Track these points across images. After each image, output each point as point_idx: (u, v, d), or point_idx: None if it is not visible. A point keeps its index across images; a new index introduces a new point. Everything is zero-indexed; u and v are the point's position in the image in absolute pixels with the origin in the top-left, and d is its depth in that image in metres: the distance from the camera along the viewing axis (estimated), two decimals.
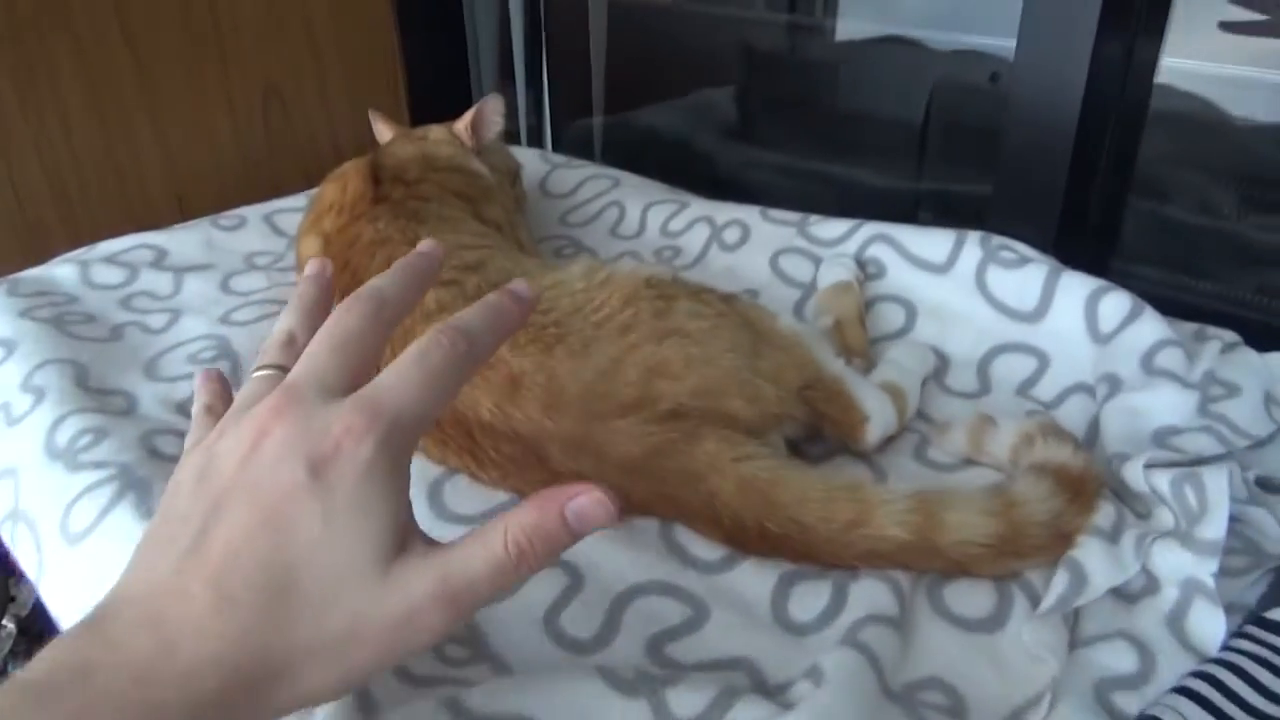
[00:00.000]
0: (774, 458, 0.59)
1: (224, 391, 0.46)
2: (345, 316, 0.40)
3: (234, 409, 0.40)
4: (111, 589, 0.36)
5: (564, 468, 0.61)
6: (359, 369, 0.39)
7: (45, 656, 0.33)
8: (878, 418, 0.65)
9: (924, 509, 0.55)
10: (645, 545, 0.59)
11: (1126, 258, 0.88)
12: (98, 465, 0.65)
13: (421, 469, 0.66)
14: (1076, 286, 0.74)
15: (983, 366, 0.76)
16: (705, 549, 0.58)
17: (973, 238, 0.81)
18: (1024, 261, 0.77)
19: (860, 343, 0.76)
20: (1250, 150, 0.90)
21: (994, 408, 0.72)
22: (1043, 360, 0.74)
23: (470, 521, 0.62)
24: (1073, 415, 0.70)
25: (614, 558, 0.58)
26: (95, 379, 0.77)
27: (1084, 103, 0.75)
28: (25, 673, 0.32)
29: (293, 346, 0.43)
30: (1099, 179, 0.80)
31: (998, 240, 0.80)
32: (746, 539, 0.57)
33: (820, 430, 0.66)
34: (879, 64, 1.25)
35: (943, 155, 1.20)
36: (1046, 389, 0.73)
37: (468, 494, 0.64)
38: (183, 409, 0.74)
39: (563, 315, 0.66)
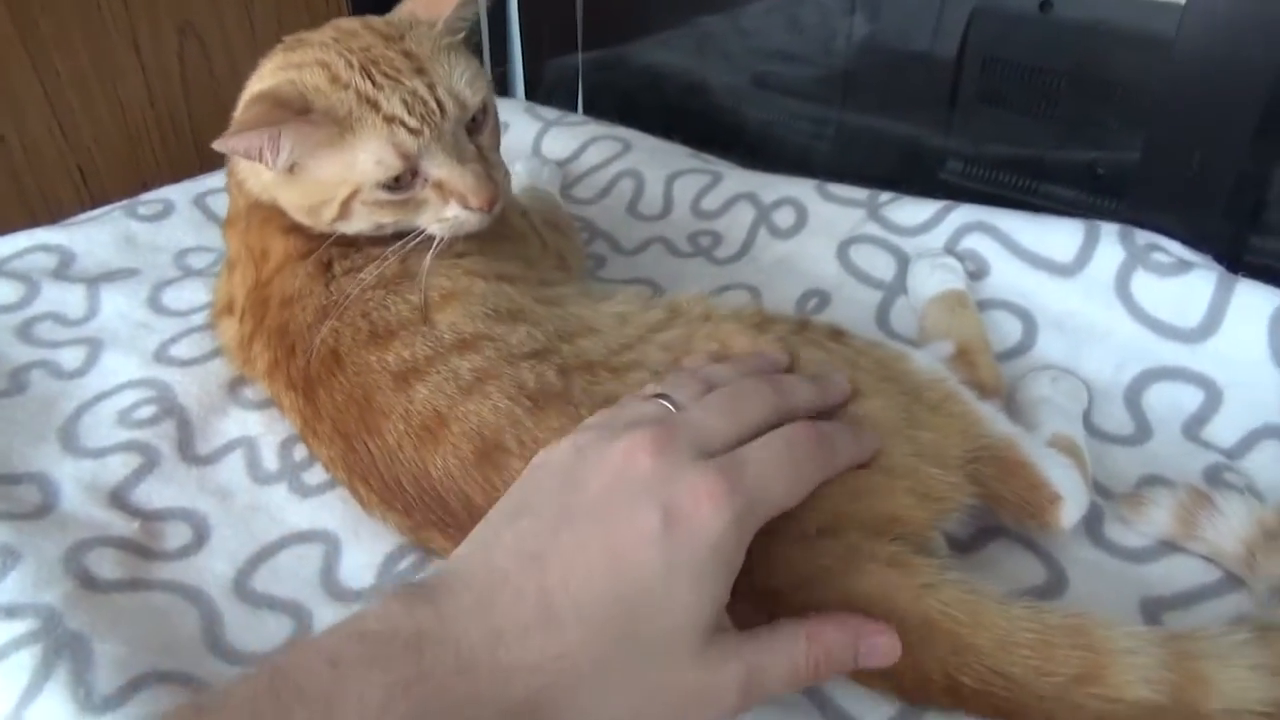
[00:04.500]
0: (963, 583, 0.44)
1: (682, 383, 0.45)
2: (752, 395, 0.43)
3: (617, 421, 0.41)
4: (454, 555, 0.38)
5: None
6: (737, 443, 0.40)
7: (385, 610, 0.34)
8: (1072, 493, 0.50)
9: (1179, 662, 0.41)
10: (784, 704, 0.44)
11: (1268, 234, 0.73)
12: (8, 614, 0.47)
13: None
14: (1256, 301, 0.60)
15: (1132, 398, 0.62)
16: (869, 707, 0.44)
17: (1109, 232, 0.66)
18: (1184, 267, 0.63)
19: (995, 377, 0.60)
20: None
21: (1162, 458, 0.58)
22: (1212, 392, 0.60)
23: None
24: (1266, 469, 0.56)
25: None
26: None
27: None
28: (366, 619, 0.34)
29: (694, 386, 0.44)
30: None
31: (1144, 237, 0.65)
32: (929, 693, 0.43)
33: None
34: None
35: (981, 101, 1.03)
36: (1223, 431, 0.59)
37: None
38: (119, 502, 0.56)
39: (654, 378, 0.49)
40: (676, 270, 0.79)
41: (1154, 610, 0.49)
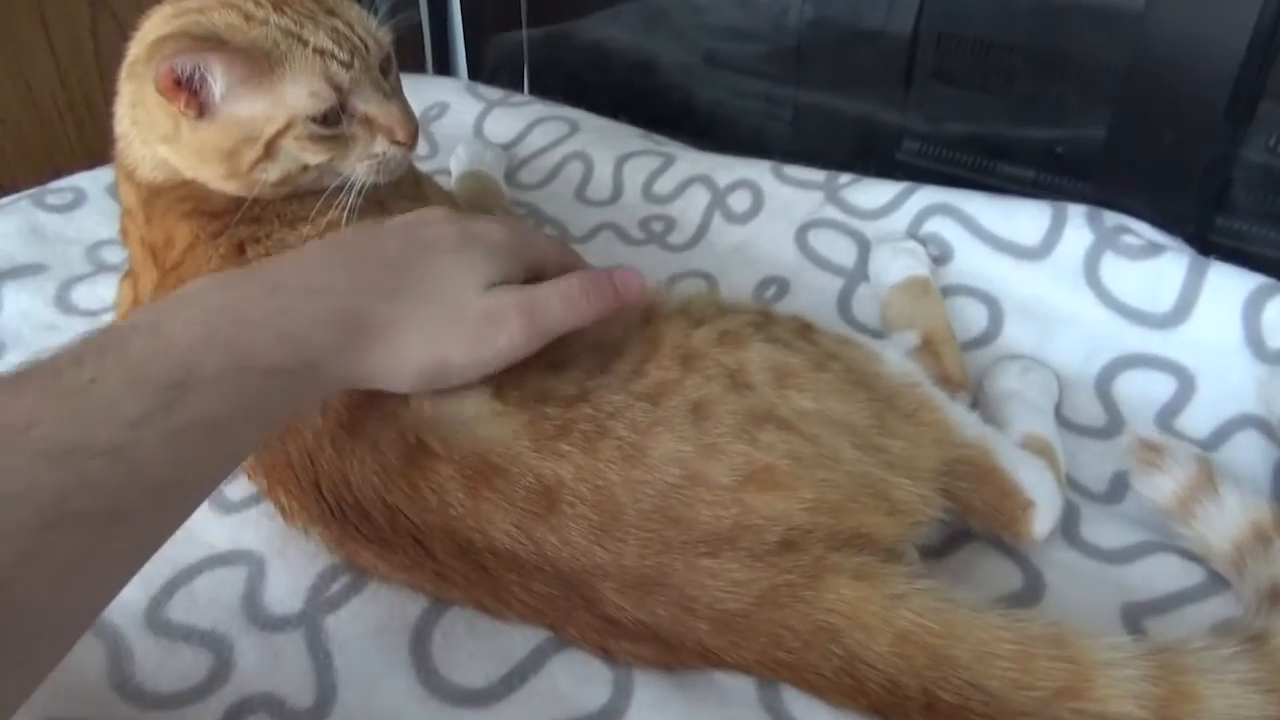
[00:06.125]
0: (936, 592, 0.41)
1: None
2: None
3: None
4: None
5: (624, 616, 0.42)
6: None
7: (195, 281, 0.41)
8: (1045, 500, 0.48)
9: (1166, 676, 0.38)
10: None
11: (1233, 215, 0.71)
12: None
13: (402, 609, 0.46)
14: (1230, 284, 0.58)
15: (1103, 387, 0.60)
16: None
17: (1077, 214, 0.64)
18: (1155, 250, 0.60)
19: (960, 370, 0.58)
20: None
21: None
22: (1185, 380, 0.58)
23: (472, 698, 0.43)
24: (1242, 460, 0.54)
25: None
26: None
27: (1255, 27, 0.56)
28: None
29: None
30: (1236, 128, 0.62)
31: (1113, 219, 0.63)
32: (906, 710, 0.40)
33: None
34: None
35: (937, 79, 1.00)
36: (1197, 421, 0.57)
37: (466, 645, 0.45)
38: None
39: (593, 383, 0.45)
40: (628, 258, 0.75)
41: (1136, 616, 0.46)
